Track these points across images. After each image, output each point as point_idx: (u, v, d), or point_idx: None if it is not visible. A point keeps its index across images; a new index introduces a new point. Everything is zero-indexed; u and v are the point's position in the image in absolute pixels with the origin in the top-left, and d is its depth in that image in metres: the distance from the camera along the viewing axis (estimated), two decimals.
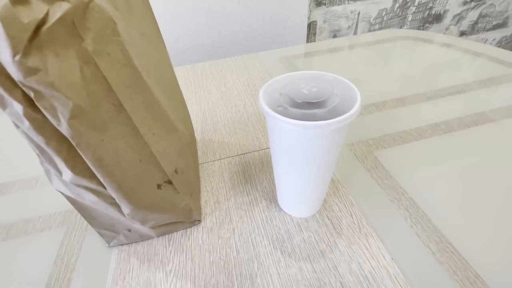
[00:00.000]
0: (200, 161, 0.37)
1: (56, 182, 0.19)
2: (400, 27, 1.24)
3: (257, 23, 1.07)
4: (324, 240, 0.27)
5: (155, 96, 0.20)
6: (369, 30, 1.18)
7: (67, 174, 0.17)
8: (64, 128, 0.14)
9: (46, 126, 0.14)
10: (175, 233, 0.28)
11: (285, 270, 0.25)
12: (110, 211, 0.21)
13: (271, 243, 0.27)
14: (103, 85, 0.16)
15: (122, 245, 0.28)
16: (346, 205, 0.29)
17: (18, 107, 0.13)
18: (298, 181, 0.24)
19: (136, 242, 0.28)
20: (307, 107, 0.19)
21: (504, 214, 0.27)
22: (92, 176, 0.17)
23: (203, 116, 0.45)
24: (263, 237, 0.27)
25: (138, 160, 0.20)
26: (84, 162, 0.16)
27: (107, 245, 0.27)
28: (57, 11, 0.12)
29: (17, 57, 0.11)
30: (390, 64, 0.55)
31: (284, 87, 0.21)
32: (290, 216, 0.29)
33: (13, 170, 0.39)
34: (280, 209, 0.30)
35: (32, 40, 0.12)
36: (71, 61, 0.14)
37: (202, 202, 0.31)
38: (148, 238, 0.28)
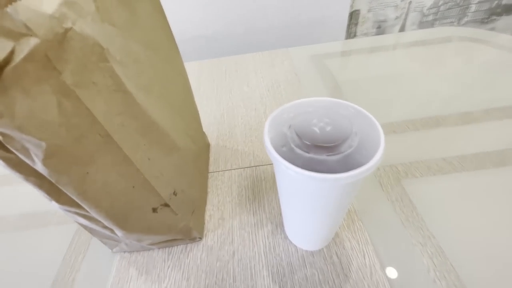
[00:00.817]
0: (210, 169, 0.35)
1: (52, 203, 0.18)
2: (459, 20, 1.08)
3: (293, 10, 1.00)
4: (328, 282, 0.24)
5: (152, 119, 0.19)
6: (421, 22, 1.05)
7: (54, 203, 0.16)
8: (39, 167, 0.13)
9: (22, 164, 0.13)
10: (175, 246, 0.28)
11: None
12: (105, 231, 0.21)
13: (270, 275, 0.25)
14: (87, 117, 0.14)
15: (124, 252, 0.28)
16: (360, 242, 0.26)
17: None
18: (304, 219, 0.22)
19: (137, 251, 0.28)
20: (317, 151, 0.16)
21: None
22: (79, 205, 0.17)
23: (221, 118, 0.43)
24: (263, 266, 0.26)
25: (130, 186, 0.19)
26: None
27: (110, 250, 0.28)
28: (24, 48, 0.11)
29: None
30: (438, 72, 0.47)
31: (294, 118, 0.18)
32: (295, 246, 0.27)
33: None
34: (286, 237, 0.28)
35: None
36: (46, 98, 0.12)
37: (207, 217, 0.30)
38: (148, 249, 0.28)
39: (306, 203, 0.18)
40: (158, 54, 0.23)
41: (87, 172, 0.16)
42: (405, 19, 1.05)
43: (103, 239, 0.26)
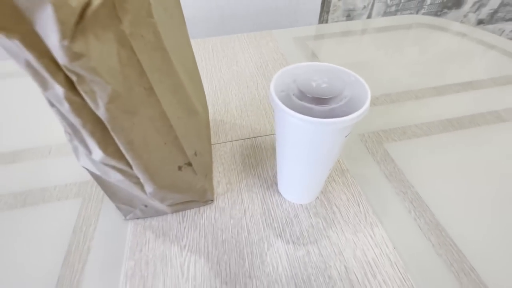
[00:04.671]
0: (212, 141, 0.37)
1: (83, 160, 0.19)
2: (417, 11, 1.19)
3: None
4: (331, 227, 0.28)
5: (180, 79, 0.20)
6: (385, 12, 1.13)
7: (98, 154, 0.17)
8: (101, 112, 0.14)
9: (84, 109, 0.14)
10: (188, 210, 0.30)
11: (293, 252, 0.26)
12: (133, 189, 0.22)
13: (280, 226, 0.28)
14: (137, 68, 0.16)
15: (138, 219, 0.29)
16: (355, 195, 0.31)
17: (59, 90, 0.13)
18: (297, 168, 0.25)
19: (151, 217, 0.29)
20: (311, 101, 0.19)
21: (505, 215, 0.29)
22: (121, 157, 0.18)
23: (215, 95, 0.45)
24: (273, 219, 0.29)
25: (163, 143, 0.20)
26: (115, 144, 0.17)
27: (124, 218, 0.29)
28: None
29: (65, 42, 0.11)
30: (403, 53, 0.53)
31: (299, 75, 0.21)
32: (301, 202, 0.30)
33: (24, 138, 0.39)
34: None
35: (78, 24, 0.11)
36: (110, 45, 0.13)
37: (215, 182, 0.32)
38: (163, 214, 0.29)
39: (299, 149, 0.21)
40: (173, 20, 0.24)
41: (133, 123, 0.17)
42: (371, 9, 1.13)
43: (120, 205, 0.26)
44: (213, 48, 0.56)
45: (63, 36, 0.11)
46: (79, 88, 0.13)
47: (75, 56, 0.12)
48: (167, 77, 0.19)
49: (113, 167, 0.19)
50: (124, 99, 0.15)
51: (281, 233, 0.28)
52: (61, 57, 0.11)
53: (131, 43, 0.15)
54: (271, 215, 0.29)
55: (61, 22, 0.10)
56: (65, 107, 0.13)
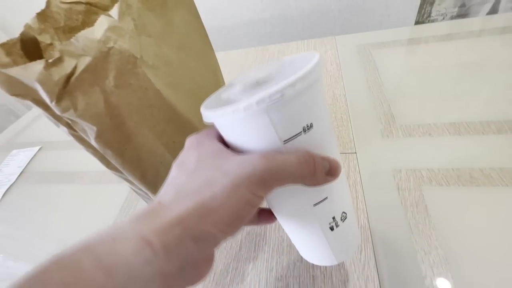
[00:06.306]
0: None
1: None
2: None
3: None
4: (320, 267, 0.26)
5: (177, 111, 0.24)
6: None
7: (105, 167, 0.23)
8: (93, 143, 0.19)
9: (84, 139, 0.19)
10: None
11: (273, 281, 0.27)
12: (143, 194, 0.27)
13: (270, 251, 0.29)
14: (125, 109, 0.20)
15: None
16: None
17: (64, 129, 0.18)
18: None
19: None
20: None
21: None
22: (122, 172, 0.23)
23: None
24: (266, 242, 0.29)
25: (159, 162, 0.24)
26: None
27: None
28: (82, 64, 0.16)
29: (53, 103, 0.16)
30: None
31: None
32: None
33: None
34: None
35: (65, 87, 0.16)
36: (96, 96, 0.18)
37: None
38: None
39: None
40: (190, 54, 0.27)
41: (126, 148, 0.21)
42: None
43: (145, 199, 0.33)
44: (269, 57, 0.57)
45: (50, 99, 0.16)
46: (74, 127, 0.18)
47: (63, 110, 0.16)
48: (160, 111, 0.22)
49: (120, 177, 0.24)
50: (113, 133, 0.20)
51: (268, 258, 0.28)
52: (55, 110, 0.16)
53: (117, 92, 0.19)
54: (266, 237, 0.30)
55: (47, 91, 0.15)
56: (71, 138, 0.19)
